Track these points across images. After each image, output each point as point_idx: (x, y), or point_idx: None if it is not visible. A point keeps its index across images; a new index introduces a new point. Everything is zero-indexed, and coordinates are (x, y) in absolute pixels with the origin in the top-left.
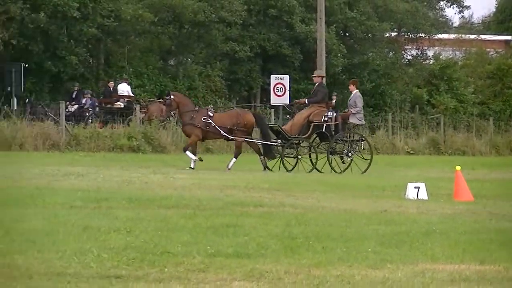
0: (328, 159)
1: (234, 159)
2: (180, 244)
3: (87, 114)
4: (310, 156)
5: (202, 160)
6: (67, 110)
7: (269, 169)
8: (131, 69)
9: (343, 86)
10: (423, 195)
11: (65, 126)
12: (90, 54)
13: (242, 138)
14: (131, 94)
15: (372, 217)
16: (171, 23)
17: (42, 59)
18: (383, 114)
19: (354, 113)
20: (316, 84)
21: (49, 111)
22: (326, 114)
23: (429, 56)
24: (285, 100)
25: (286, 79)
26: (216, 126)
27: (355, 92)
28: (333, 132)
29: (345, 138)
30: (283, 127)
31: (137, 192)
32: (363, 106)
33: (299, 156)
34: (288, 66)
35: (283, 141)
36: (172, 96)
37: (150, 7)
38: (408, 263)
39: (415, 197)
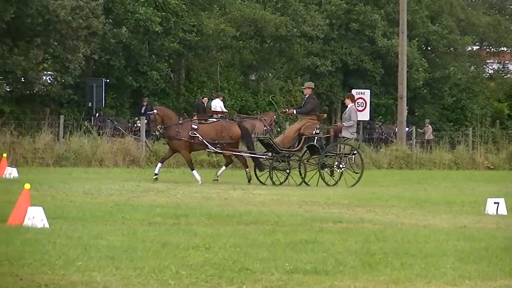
0: (319, 173)
1: (224, 168)
2: (258, 260)
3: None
4: (300, 170)
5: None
6: (135, 125)
7: (260, 181)
8: (212, 84)
9: (424, 100)
10: (503, 210)
11: (145, 142)
12: (171, 69)
13: (230, 152)
14: (225, 110)
15: (451, 232)
16: (253, 37)
17: (124, 74)
18: (463, 129)
19: (346, 127)
20: (306, 96)
21: (118, 125)
22: (317, 126)
23: (511, 70)
24: (365, 115)
25: (367, 93)
26: (204, 140)
27: (351, 106)
28: (324, 146)
29: (336, 151)
30: (274, 140)
31: (216, 208)
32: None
33: (287, 170)
34: (369, 80)
35: (274, 154)
36: (155, 111)
37: (232, 22)
38: (486, 279)
39: (495, 213)
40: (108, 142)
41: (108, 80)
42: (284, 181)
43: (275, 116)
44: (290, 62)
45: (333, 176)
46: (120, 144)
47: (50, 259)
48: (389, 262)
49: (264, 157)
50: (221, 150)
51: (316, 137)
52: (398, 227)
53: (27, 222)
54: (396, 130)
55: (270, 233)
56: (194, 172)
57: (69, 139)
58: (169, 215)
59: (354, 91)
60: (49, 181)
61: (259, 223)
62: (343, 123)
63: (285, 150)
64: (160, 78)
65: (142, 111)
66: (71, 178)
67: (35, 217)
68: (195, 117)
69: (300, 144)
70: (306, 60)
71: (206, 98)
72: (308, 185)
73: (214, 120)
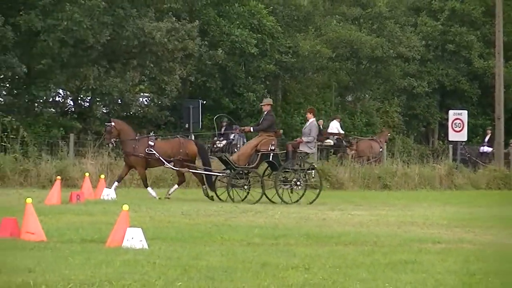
0: (276, 189)
1: (176, 186)
2: (358, 281)
3: (235, 150)
4: (262, 187)
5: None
6: (215, 146)
7: (212, 198)
8: (308, 106)
9: None
10: None
11: None
12: (267, 90)
13: (186, 169)
14: (341, 132)
15: None
16: (349, 58)
17: (220, 96)
18: None
19: (306, 142)
20: (265, 113)
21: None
22: (273, 143)
23: None
24: (463, 136)
25: (464, 114)
26: (160, 157)
27: (312, 120)
28: (283, 161)
29: (295, 167)
30: (230, 158)
31: (315, 229)
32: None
33: (246, 187)
34: (466, 101)
35: (231, 171)
36: (113, 124)
37: (327, 43)
38: None
39: None
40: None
41: (204, 102)
42: (245, 198)
43: (389, 135)
44: (387, 83)
45: (292, 192)
46: (216, 165)
47: (149, 280)
48: (490, 282)
49: (221, 174)
50: (177, 167)
51: (272, 153)
52: (498, 247)
53: (126, 243)
54: (481, 151)
55: (369, 253)
56: (149, 189)
57: None
58: (267, 236)
59: (451, 112)
60: (147, 202)
61: (357, 244)
62: (303, 138)
63: (241, 167)
64: (257, 100)
65: (222, 131)
66: (169, 199)
67: (134, 238)
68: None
69: (257, 161)
70: (402, 81)
71: (321, 120)
72: (272, 202)
73: (172, 137)
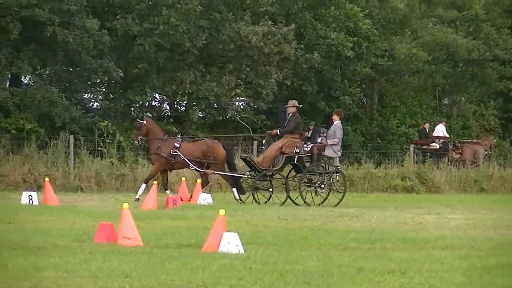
0: (299, 191)
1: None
2: (454, 285)
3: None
4: (286, 189)
5: (138, 200)
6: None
7: (242, 201)
8: (405, 109)
9: None
10: None
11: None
12: (363, 93)
13: (212, 171)
14: (447, 135)
15: None
16: (445, 61)
17: (316, 99)
18: None
19: (331, 145)
20: (290, 114)
21: None
22: (298, 145)
23: None
24: None
25: None
26: (185, 158)
27: (337, 123)
28: (307, 164)
29: (319, 170)
30: (255, 160)
31: (411, 233)
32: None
33: (271, 189)
34: None
35: (256, 173)
36: (144, 122)
37: (424, 46)
38: None
39: None
40: None
41: (300, 106)
42: (268, 200)
43: (495, 140)
44: (483, 86)
45: (317, 194)
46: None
47: (246, 285)
48: None
49: (246, 176)
50: (202, 169)
51: (296, 156)
52: None
53: (222, 248)
54: None
55: (465, 257)
56: (143, 185)
57: None
58: (364, 240)
59: None
60: (244, 207)
61: (454, 248)
62: (328, 141)
63: (265, 169)
64: (353, 103)
65: (309, 135)
66: (265, 204)
67: (230, 242)
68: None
69: (281, 163)
70: (499, 84)
71: (427, 124)
72: (296, 203)
73: (199, 139)
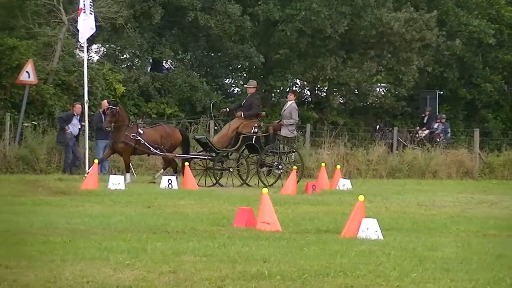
0: (257, 172)
1: (162, 171)
2: None
3: (438, 139)
4: (238, 170)
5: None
6: (417, 135)
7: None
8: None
9: None
10: None
11: (479, 154)
12: (505, 81)
13: (173, 155)
14: None
15: None
16: None
17: (457, 86)
18: None
19: (286, 125)
20: (249, 95)
21: (398, 136)
22: (255, 125)
23: None
24: None
25: None
26: (146, 143)
27: (291, 102)
28: (263, 144)
29: (275, 150)
30: (211, 140)
31: None
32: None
33: (231, 169)
34: None
35: (211, 154)
36: (118, 108)
37: None
38: None
39: None
40: (441, 154)
41: (441, 92)
42: (217, 181)
43: None
44: None
45: (272, 174)
46: (454, 156)
47: (384, 271)
48: None
49: (207, 157)
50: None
51: (254, 136)
52: None
53: (361, 233)
54: None
55: None
56: (127, 175)
57: (402, 151)
58: (503, 227)
59: None
60: (383, 193)
61: None
62: (283, 121)
63: (223, 150)
64: (494, 90)
65: (425, 121)
66: (405, 190)
67: (369, 228)
68: None
69: (238, 144)
70: None
71: None
72: (249, 185)
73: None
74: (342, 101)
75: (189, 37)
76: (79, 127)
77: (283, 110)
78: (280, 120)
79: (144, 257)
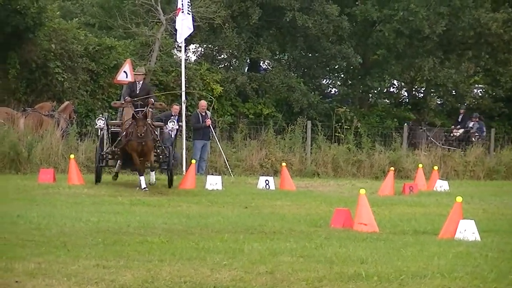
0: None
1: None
2: None
3: (473, 138)
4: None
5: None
6: (451, 134)
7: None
8: None
9: None
10: None
11: None
12: None
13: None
14: None
15: None
16: None
17: None
18: None
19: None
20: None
21: (431, 135)
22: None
23: None
24: None
25: None
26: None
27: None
28: None
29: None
30: None
31: None
32: None
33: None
34: None
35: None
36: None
37: None
38: None
39: None
40: None
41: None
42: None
43: None
44: None
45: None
46: None
47: (481, 273)
48: None
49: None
50: None
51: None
52: None
53: (459, 235)
54: None
55: None
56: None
57: (499, 152)
58: None
59: None
60: (480, 194)
61: None
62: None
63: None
64: None
65: (460, 119)
66: (502, 192)
67: (467, 230)
68: None
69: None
70: None
71: None
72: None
73: None
74: (439, 102)
75: (287, 37)
76: (177, 127)
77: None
78: None
79: (241, 257)
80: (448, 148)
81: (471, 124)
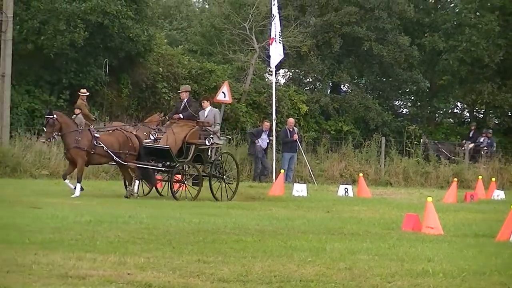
0: (210, 185)
1: (138, 182)
2: None
3: (482, 152)
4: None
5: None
6: (462, 148)
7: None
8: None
9: None
10: None
11: None
12: None
13: (135, 164)
14: None
15: None
16: None
17: None
18: None
19: (215, 132)
20: (186, 100)
21: (442, 148)
22: (211, 135)
23: None
24: None
25: None
26: (109, 150)
27: (210, 108)
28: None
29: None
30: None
31: None
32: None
33: (185, 182)
34: None
35: (166, 163)
36: (55, 116)
37: None
38: None
39: None
40: None
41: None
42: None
43: None
44: None
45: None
46: None
47: None
48: None
49: (164, 169)
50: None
51: (207, 147)
52: None
53: None
54: None
55: None
56: (78, 185)
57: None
58: None
59: None
60: None
61: None
62: (213, 128)
63: (180, 161)
64: None
65: (470, 135)
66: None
67: None
68: None
69: (191, 154)
70: None
71: None
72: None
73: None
74: (497, 122)
75: (364, 64)
76: (267, 141)
77: (203, 117)
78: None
79: (324, 255)
80: (454, 159)
81: (481, 139)
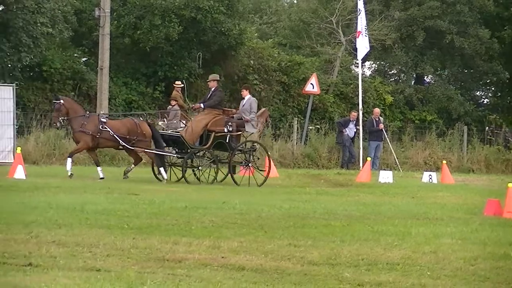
0: (229, 171)
1: (133, 166)
2: None
3: None
4: (211, 168)
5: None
6: None
7: (160, 179)
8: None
9: None
10: None
11: None
12: None
13: (142, 149)
14: None
15: None
16: None
17: None
18: None
19: (249, 120)
20: (213, 89)
21: (509, 136)
22: (230, 123)
23: None
24: None
25: None
26: (115, 134)
27: (249, 97)
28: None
29: (241, 148)
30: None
31: None
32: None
33: (200, 168)
34: None
35: (180, 150)
36: (61, 101)
37: None
38: None
39: None
40: None
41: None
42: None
43: None
44: None
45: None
46: None
47: None
48: None
49: (176, 155)
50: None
51: (228, 135)
52: None
53: None
54: None
55: None
56: (69, 159)
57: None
58: None
59: None
60: None
61: None
62: (245, 117)
63: (196, 148)
64: None
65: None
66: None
67: None
68: None
69: (210, 141)
70: None
71: None
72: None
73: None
74: None
75: (446, 56)
76: (355, 130)
77: (241, 105)
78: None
79: (409, 239)
80: None
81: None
